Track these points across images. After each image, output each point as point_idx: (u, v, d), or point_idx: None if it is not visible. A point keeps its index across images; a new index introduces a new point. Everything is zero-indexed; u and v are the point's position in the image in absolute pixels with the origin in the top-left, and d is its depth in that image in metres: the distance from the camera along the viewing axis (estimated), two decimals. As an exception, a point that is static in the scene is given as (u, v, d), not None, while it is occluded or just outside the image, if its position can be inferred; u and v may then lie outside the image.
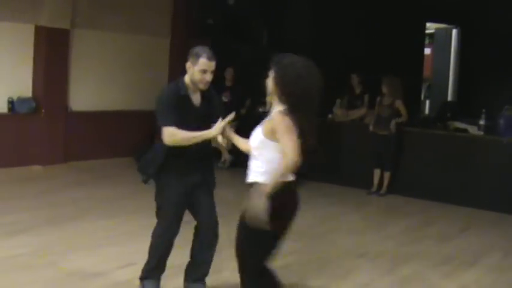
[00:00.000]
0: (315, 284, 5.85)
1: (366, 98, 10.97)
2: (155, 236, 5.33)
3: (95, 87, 12.10)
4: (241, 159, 11.73)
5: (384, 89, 10.03)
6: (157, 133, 4.90)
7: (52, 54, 11.20)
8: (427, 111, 16.72)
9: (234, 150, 12.46)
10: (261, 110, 12.51)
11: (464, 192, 9.59)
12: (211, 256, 5.34)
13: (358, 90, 11.14)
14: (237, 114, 12.25)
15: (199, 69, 4.82)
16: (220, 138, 4.90)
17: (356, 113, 11.12)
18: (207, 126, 4.80)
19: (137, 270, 5.83)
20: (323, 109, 11.45)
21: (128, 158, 12.19)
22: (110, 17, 12.10)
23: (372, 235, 7.81)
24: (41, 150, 11.19)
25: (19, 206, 8.45)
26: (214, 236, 5.31)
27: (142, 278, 5.30)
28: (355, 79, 11.12)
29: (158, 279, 5.32)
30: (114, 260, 6.24)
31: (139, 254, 6.30)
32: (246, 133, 12.77)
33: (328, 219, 8.54)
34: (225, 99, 11.77)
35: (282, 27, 13.49)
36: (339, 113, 11.40)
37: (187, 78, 4.92)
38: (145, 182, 5.30)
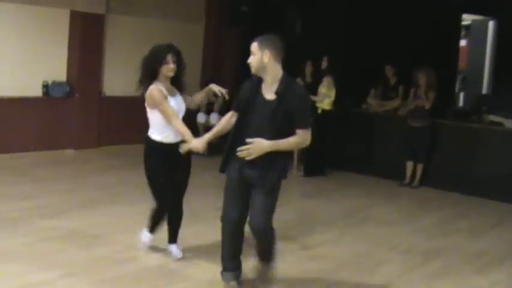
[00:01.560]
0: (344, 275, 5.83)
1: (401, 89, 10.88)
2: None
3: (128, 73, 11.95)
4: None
5: (419, 81, 9.93)
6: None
7: (87, 39, 11.25)
8: (461, 103, 16.54)
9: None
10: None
11: (498, 186, 9.48)
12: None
13: (392, 81, 11.05)
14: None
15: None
16: None
17: (390, 104, 11.03)
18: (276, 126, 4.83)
19: (168, 255, 5.89)
20: (357, 99, 11.43)
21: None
22: (144, 2, 12.13)
23: (403, 227, 7.76)
24: (74, 134, 11.27)
25: (53, 189, 8.53)
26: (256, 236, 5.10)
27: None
28: (389, 70, 11.03)
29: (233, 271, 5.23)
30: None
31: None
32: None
33: (359, 210, 8.50)
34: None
35: (316, 16, 13.41)
36: (373, 103, 11.33)
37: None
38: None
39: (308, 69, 10.91)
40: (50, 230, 6.56)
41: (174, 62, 5.75)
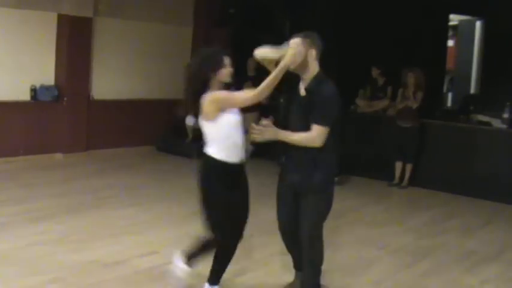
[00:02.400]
0: (335, 275, 5.83)
1: (389, 89, 10.89)
2: None
3: (117, 76, 12.12)
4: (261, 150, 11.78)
5: (407, 81, 9.96)
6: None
7: (75, 43, 11.21)
8: (449, 103, 16.58)
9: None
10: (282, 100, 12.50)
11: (487, 185, 9.52)
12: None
13: (380, 82, 11.06)
14: (258, 104, 12.31)
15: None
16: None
17: (379, 104, 11.04)
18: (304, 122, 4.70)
19: (158, 258, 5.90)
20: (346, 99, 11.43)
21: (149, 146, 12.27)
22: (132, 5, 12.11)
23: (392, 227, 7.78)
24: (62, 138, 11.23)
25: (41, 193, 8.50)
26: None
27: None
28: (375, 71, 11.03)
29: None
30: (136, 248, 6.25)
31: (161, 243, 6.40)
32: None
33: (348, 211, 8.50)
34: (247, 89, 11.74)
35: (305, 17, 13.42)
36: (361, 104, 11.35)
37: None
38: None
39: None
40: (39, 235, 6.54)
41: (230, 65, 4.94)
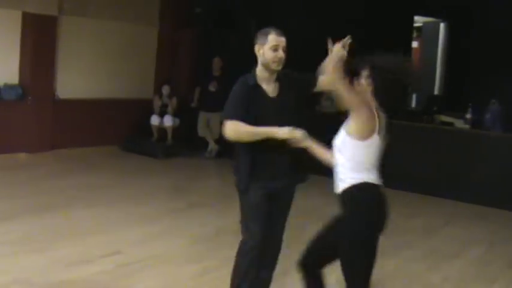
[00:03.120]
0: (296, 277, 5.86)
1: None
2: None
3: (82, 75, 12.04)
4: (227, 150, 11.76)
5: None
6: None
7: (39, 41, 11.12)
8: (413, 104, 16.73)
9: (221, 140, 12.54)
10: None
11: (449, 185, 9.65)
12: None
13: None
14: (224, 104, 12.30)
15: (269, 46, 4.31)
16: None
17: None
18: (290, 120, 4.35)
19: (122, 258, 5.89)
20: (311, 100, 11.49)
21: (115, 146, 12.21)
22: (98, 4, 12.02)
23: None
24: (27, 137, 11.12)
25: (6, 193, 8.41)
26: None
27: None
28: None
29: None
30: (100, 248, 6.21)
31: (124, 243, 6.39)
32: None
33: (314, 210, 8.54)
34: (212, 88, 11.77)
35: (271, 17, 13.46)
36: (326, 104, 11.40)
37: (258, 66, 4.41)
38: None
39: None
40: (3, 235, 6.47)
41: None
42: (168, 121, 11.96)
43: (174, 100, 12.10)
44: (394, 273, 6.12)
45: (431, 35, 16.12)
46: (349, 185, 3.83)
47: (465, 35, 13.53)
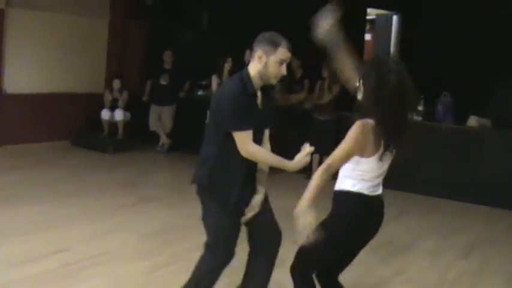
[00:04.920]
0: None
1: (306, 82, 10.95)
2: None
3: (30, 69, 11.76)
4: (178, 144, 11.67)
5: (325, 74, 10.03)
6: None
7: (-14, 35, 10.86)
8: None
9: (173, 133, 12.41)
10: (199, 93, 12.43)
11: (402, 177, 9.64)
12: None
13: (298, 75, 11.10)
14: (175, 97, 12.17)
15: (277, 59, 3.93)
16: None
17: (296, 98, 11.08)
18: (263, 131, 4.18)
19: (70, 256, 5.74)
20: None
21: (65, 141, 11.98)
22: (46, -4, 11.78)
23: (310, 220, 7.81)
24: (-27, 133, 10.86)
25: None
26: None
27: None
28: (295, 62, 11.03)
29: None
30: (47, 245, 6.04)
31: (74, 240, 6.25)
32: (185, 116, 12.65)
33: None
34: (163, 82, 11.63)
35: (223, 9, 13.37)
36: (278, 97, 11.34)
37: (253, 72, 3.99)
38: None
39: (227, 66, 10.78)
40: None
41: None
42: (119, 115, 11.78)
43: (125, 94, 11.92)
44: (347, 267, 6.08)
45: (384, 27, 16.19)
46: (344, 189, 3.78)
47: (417, 27, 13.58)
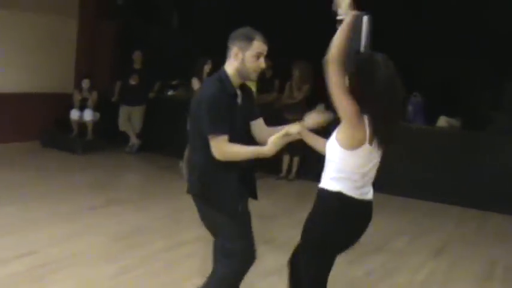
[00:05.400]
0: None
1: (277, 82, 10.92)
2: None
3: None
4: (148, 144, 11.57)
5: (295, 74, 10.02)
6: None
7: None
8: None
9: (142, 134, 12.30)
10: (170, 93, 12.36)
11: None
12: None
13: (268, 75, 11.06)
14: (145, 98, 12.07)
15: (253, 54, 3.86)
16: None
17: (266, 98, 11.03)
18: (247, 127, 4.07)
19: (38, 259, 5.65)
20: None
21: (34, 142, 11.83)
22: (15, -5, 11.62)
23: (281, 220, 7.79)
24: None
25: None
26: None
27: None
28: (266, 63, 10.97)
29: None
30: (15, 248, 5.93)
31: (42, 243, 6.15)
32: (155, 117, 12.52)
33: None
34: (133, 82, 11.52)
35: (193, 9, 13.31)
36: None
37: (230, 70, 3.93)
38: None
39: (207, 68, 10.70)
40: None
41: None
42: (88, 115, 11.65)
43: (95, 94, 11.80)
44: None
45: (355, 27, 16.22)
46: (325, 187, 3.65)
47: (388, 27, 13.61)
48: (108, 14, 12.69)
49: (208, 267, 4.98)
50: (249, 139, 4.03)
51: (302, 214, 8.06)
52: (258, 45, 3.89)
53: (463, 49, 11.31)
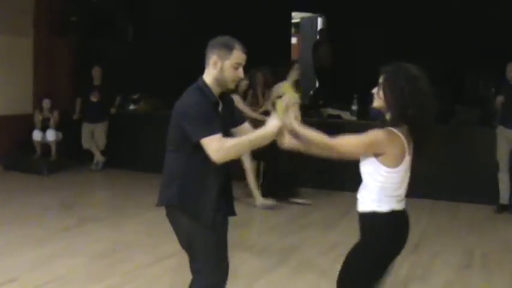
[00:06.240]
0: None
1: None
2: None
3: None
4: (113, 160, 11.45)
5: (256, 81, 9.98)
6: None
7: None
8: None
9: (106, 151, 12.16)
10: (131, 107, 12.26)
11: (344, 176, 9.69)
12: None
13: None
14: (107, 114, 11.95)
15: (232, 63, 3.79)
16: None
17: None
18: (229, 135, 3.88)
19: (19, 286, 5.51)
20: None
21: (-4, 166, 11.62)
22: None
23: (257, 227, 7.79)
24: None
25: None
26: None
27: None
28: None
29: None
30: (-8, 276, 5.81)
31: (20, 268, 5.99)
32: (118, 132, 12.38)
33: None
34: (94, 99, 11.39)
35: (148, 23, 13.24)
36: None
37: (209, 79, 3.86)
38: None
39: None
40: None
41: None
42: (51, 135, 11.47)
43: (56, 113, 11.63)
44: (302, 270, 6.08)
45: (309, 30, 16.34)
46: (377, 210, 3.61)
47: (342, 29, 13.72)
48: (63, 31, 12.51)
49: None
50: None
51: (277, 219, 8.10)
52: (238, 55, 3.82)
53: (421, 47, 11.45)
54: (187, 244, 3.93)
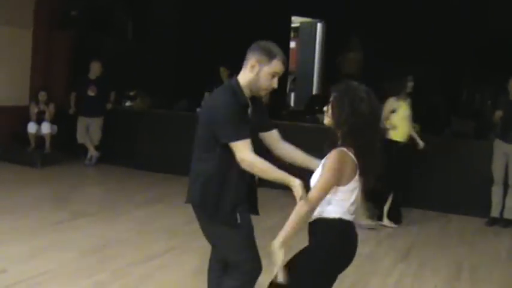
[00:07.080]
0: (188, 285, 5.74)
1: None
2: None
3: None
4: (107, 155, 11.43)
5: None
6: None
7: None
8: (292, 103, 16.93)
9: (101, 146, 12.14)
10: (127, 104, 12.27)
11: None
12: None
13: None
14: (104, 109, 11.93)
15: (270, 71, 3.78)
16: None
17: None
18: (256, 139, 3.89)
19: (8, 278, 5.51)
20: (193, 101, 11.36)
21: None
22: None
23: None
24: None
25: None
26: None
27: None
28: (224, 72, 10.99)
29: None
30: (-19, 267, 5.81)
31: (9, 260, 5.99)
32: (113, 128, 12.38)
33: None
34: (91, 93, 11.39)
35: (148, 19, 13.26)
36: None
37: (243, 81, 3.84)
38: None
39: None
40: None
41: None
42: (46, 128, 11.46)
43: (52, 106, 11.62)
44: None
45: (309, 34, 16.38)
46: (324, 216, 3.54)
47: (341, 34, 13.77)
48: (62, 25, 12.52)
49: (181, 279, 4.98)
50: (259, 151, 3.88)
51: (268, 222, 8.09)
52: (277, 65, 3.79)
53: (412, 54, 11.51)
54: (213, 242, 3.98)
